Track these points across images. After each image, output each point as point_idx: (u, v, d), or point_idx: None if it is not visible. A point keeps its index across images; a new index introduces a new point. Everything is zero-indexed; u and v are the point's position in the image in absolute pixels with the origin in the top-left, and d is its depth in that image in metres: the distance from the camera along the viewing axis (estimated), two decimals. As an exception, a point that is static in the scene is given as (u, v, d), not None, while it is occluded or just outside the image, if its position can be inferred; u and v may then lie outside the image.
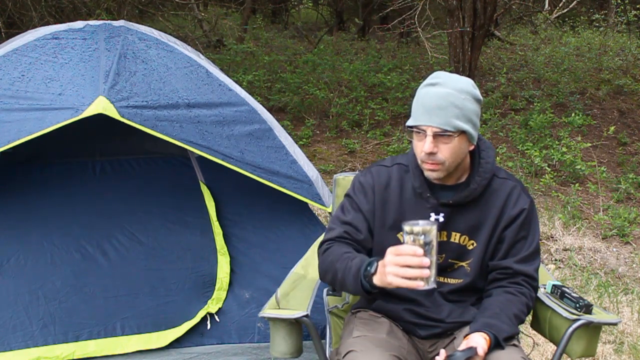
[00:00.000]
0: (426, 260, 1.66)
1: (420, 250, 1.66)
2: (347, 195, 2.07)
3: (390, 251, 1.71)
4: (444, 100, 1.82)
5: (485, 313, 1.91)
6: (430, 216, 1.97)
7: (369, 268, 1.79)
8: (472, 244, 1.99)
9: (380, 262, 1.75)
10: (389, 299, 2.02)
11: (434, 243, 1.69)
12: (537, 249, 2.01)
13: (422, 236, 1.67)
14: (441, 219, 1.96)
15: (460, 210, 1.96)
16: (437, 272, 1.72)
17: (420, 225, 1.67)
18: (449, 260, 2.00)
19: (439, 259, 1.99)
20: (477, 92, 1.90)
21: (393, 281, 1.68)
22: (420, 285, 1.66)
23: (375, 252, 1.99)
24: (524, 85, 8.98)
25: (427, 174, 1.92)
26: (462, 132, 1.85)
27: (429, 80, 1.89)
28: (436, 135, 1.83)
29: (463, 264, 2.00)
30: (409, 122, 1.89)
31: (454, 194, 1.95)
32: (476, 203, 1.97)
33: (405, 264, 1.66)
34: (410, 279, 1.66)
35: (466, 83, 1.89)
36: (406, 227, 1.69)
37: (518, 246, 1.98)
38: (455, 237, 1.99)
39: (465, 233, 1.98)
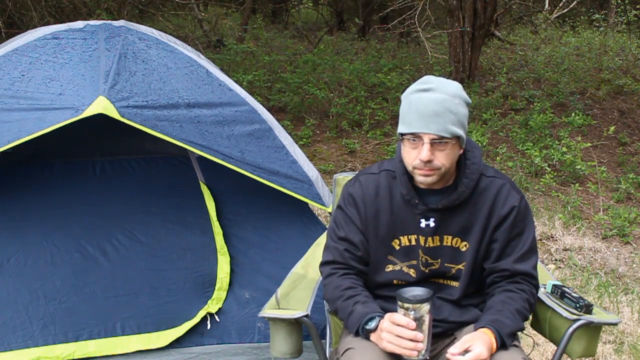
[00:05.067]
0: (420, 335, 1.74)
1: (413, 324, 1.73)
2: (338, 207, 2.09)
3: (388, 317, 1.79)
4: (440, 106, 1.80)
5: (488, 312, 1.92)
6: (420, 222, 1.97)
7: (370, 323, 1.86)
8: (465, 246, 1.98)
9: (380, 322, 1.83)
10: (390, 299, 2.02)
11: (425, 318, 1.75)
12: (532, 246, 1.99)
13: (413, 312, 1.74)
14: (432, 224, 1.96)
15: (450, 213, 1.96)
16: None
17: (410, 302, 1.74)
18: (445, 265, 2.00)
19: (435, 265, 2.00)
20: (467, 96, 1.90)
21: (387, 347, 1.78)
22: (413, 354, 1.75)
23: (371, 260, 2.03)
24: (524, 85, 8.99)
25: (420, 179, 1.90)
26: (457, 138, 1.85)
27: (419, 85, 1.87)
28: (432, 142, 1.82)
29: (459, 266, 2.00)
30: (402, 129, 1.86)
31: (442, 198, 1.95)
32: (466, 204, 1.96)
33: (399, 334, 1.75)
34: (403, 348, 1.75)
35: (457, 87, 1.88)
36: (398, 301, 1.77)
37: (512, 244, 1.97)
38: (448, 240, 1.98)
39: (457, 235, 1.98)
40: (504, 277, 1.98)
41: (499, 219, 1.96)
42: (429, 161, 1.83)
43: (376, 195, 2.01)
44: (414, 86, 1.88)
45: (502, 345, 1.84)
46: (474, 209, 1.96)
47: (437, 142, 1.82)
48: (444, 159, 1.85)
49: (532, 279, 1.99)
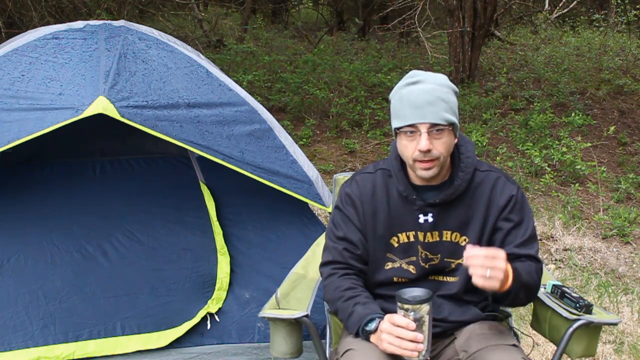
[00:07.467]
0: (420, 336, 1.73)
1: (413, 324, 1.73)
2: (336, 208, 2.09)
3: (387, 318, 1.79)
4: (431, 96, 1.84)
5: None
6: (418, 218, 1.97)
7: (370, 324, 1.86)
8: (465, 240, 1.99)
9: (380, 323, 1.82)
10: (389, 299, 2.02)
11: (425, 319, 1.75)
12: (533, 233, 2.00)
13: (412, 313, 1.74)
14: (430, 219, 1.97)
15: (448, 208, 1.97)
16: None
17: (409, 303, 1.73)
18: (445, 260, 2.01)
19: (435, 260, 2.00)
20: (454, 85, 1.93)
21: (387, 348, 1.78)
22: (413, 355, 1.74)
23: (370, 259, 2.04)
24: (524, 85, 8.99)
25: (421, 173, 1.91)
26: (452, 125, 1.88)
27: (407, 79, 1.90)
28: (429, 132, 1.84)
29: (459, 261, 2.00)
30: (398, 124, 1.88)
31: (439, 193, 1.96)
32: (463, 199, 1.97)
33: (399, 335, 1.74)
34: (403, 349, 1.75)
35: (443, 77, 1.92)
36: (398, 302, 1.76)
37: (514, 233, 1.97)
38: (447, 235, 1.99)
39: (456, 230, 1.99)
40: (509, 260, 1.97)
41: (499, 209, 1.97)
42: (428, 151, 1.85)
43: (373, 194, 2.03)
44: (402, 82, 1.91)
45: (510, 291, 1.81)
46: (471, 203, 1.98)
47: (434, 130, 1.84)
48: (441, 147, 1.87)
49: (536, 261, 1.98)
